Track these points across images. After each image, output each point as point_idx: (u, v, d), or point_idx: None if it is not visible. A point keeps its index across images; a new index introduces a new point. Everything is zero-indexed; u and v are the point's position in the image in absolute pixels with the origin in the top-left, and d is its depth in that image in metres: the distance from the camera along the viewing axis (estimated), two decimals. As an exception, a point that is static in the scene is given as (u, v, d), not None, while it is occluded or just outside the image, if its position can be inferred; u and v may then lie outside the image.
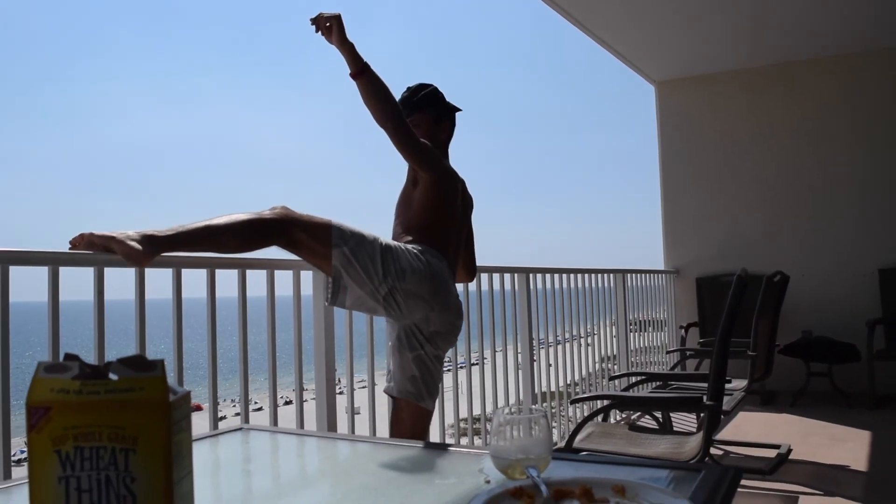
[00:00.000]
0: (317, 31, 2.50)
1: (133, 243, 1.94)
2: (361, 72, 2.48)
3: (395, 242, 2.56)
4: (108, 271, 2.10)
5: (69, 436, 0.70)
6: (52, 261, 1.97)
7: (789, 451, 4.15)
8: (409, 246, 2.58)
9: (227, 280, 2.52)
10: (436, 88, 2.88)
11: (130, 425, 0.70)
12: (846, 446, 4.55)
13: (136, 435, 0.70)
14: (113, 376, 0.71)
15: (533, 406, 1.45)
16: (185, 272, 2.33)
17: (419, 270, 2.50)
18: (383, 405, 3.04)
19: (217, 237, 2.16)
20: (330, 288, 2.44)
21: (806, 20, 5.70)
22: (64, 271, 2.00)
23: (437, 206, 2.71)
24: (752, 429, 5.17)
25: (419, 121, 2.80)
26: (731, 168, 6.87)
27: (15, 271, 1.90)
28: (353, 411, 2.89)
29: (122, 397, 0.70)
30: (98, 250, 1.95)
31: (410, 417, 2.62)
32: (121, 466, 0.70)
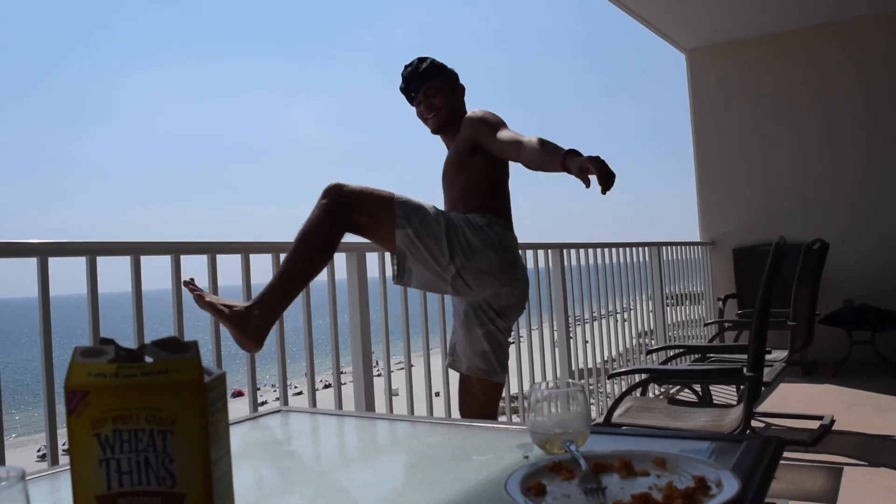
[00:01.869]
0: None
1: (244, 334, 2.04)
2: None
3: (460, 216, 2.44)
4: (144, 260, 2.13)
5: (108, 419, 0.71)
6: (90, 251, 2.00)
7: (832, 421, 4.09)
8: (474, 217, 2.48)
9: (261, 264, 2.54)
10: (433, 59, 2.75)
11: (167, 407, 0.70)
12: (891, 415, 4.47)
13: (174, 416, 0.70)
14: (148, 359, 0.72)
15: (570, 381, 1.45)
16: (219, 258, 2.35)
17: (488, 246, 2.39)
18: (420, 385, 3.05)
19: (296, 277, 2.15)
20: (395, 267, 2.37)
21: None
22: (100, 261, 2.03)
23: (498, 170, 2.62)
24: (794, 400, 5.10)
25: (436, 89, 2.67)
26: (765, 136, 6.75)
27: (54, 264, 1.94)
28: (390, 392, 2.90)
29: (158, 379, 0.70)
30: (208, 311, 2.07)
31: (483, 392, 2.57)
32: (159, 448, 0.71)
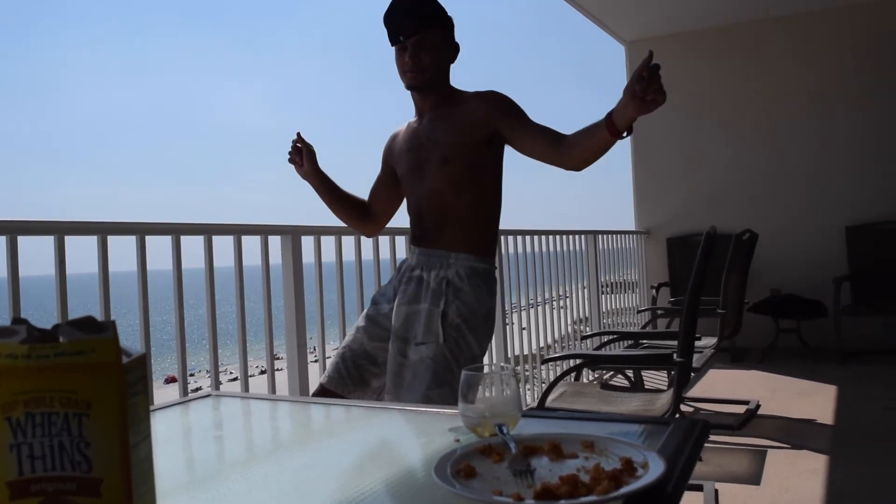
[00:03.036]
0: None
1: None
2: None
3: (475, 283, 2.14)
4: (69, 240, 2.06)
5: (19, 402, 0.67)
6: (11, 230, 1.93)
7: (758, 406, 4.22)
8: (480, 287, 2.16)
9: (192, 247, 2.48)
10: None
11: (82, 389, 0.68)
12: (813, 400, 4.64)
13: (89, 399, 0.68)
14: (63, 339, 0.69)
15: (502, 364, 1.46)
16: (149, 240, 2.29)
17: (491, 315, 2.22)
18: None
19: None
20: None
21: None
22: (23, 241, 1.96)
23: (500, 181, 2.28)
24: (722, 385, 5.25)
25: (431, 44, 2.14)
26: (700, 128, 6.89)
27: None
28: (325, 377, 2.87)
29: (72, 360, 0.67)
30: None
31: None
32: (74, 432, 0.68)
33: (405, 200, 2.37)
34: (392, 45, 2.16)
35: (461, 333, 2.10)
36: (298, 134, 2.27)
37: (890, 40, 6.27)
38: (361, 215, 2.41)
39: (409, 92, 2.24)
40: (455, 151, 2.15)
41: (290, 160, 2.28)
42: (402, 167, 2.29)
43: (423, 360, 2.07)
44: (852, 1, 6.23)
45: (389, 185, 2.38)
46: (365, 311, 2.35)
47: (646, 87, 1.81)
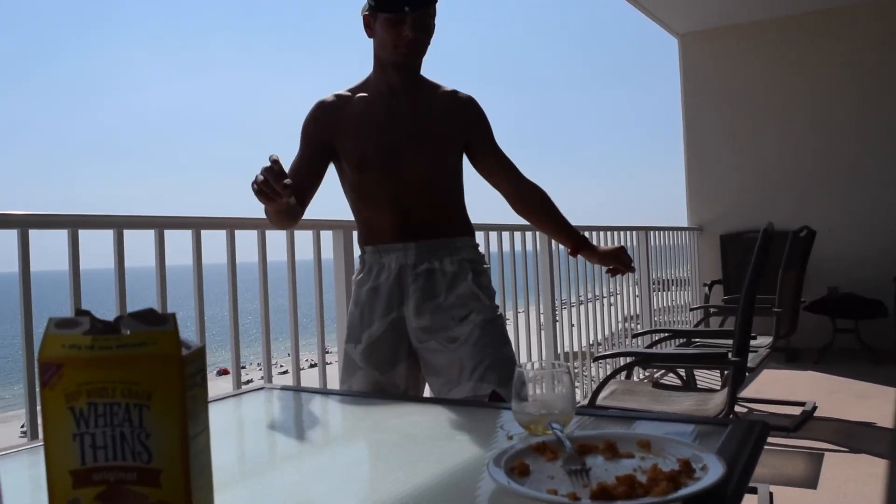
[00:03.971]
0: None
1: None
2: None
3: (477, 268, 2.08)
4: (127, 234, 2.10)
5: (82, 392, 0.69)
6: (72, 223, 1.97)
7: (814, 408, 4.12)
8: (479, 255, 2.15)
9: (245, 240, 2.51)
10: None
11: (143, 380, 0.69)
12: (872, 403, 4.51)
13: (150, 390, 0.69)
14: (125, 331, 0.70)
15: (555, 362, 1.45)
16: (204, 234, 2.33)
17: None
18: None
19: None
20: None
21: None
22: (84, 235, 2.00)
23: None
24: (777, 386, 5.14)
25: (431, 18, 1.97)
26: (754, 122, 6.75)
27: (34, 237, 1.91)
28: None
29: (134, 352, 0.68)
30: None
31: None
32: (135, 422, 0.69)
33: (364, 188, 2.03)
34: (383, 12, 1.90)
35: (494, 299, 2.08)
36: (276, 159, 1.63)
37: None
38: (293, 214, 1.99)
39: (370, 62, 2.05)
40: (449, 143, 2.07)
41: (262, 191, 1.64)
42: (367, 148, 1.99)
43: (476, 326, 1.96)
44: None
45: (315, 166, 2.02)
46: (345, 356, 2.07)
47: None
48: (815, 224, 4.34)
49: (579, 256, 2.28)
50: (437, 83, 2.10)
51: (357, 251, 2.17)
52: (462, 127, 2.09)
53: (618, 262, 2.27)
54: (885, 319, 5.78)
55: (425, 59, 2.03)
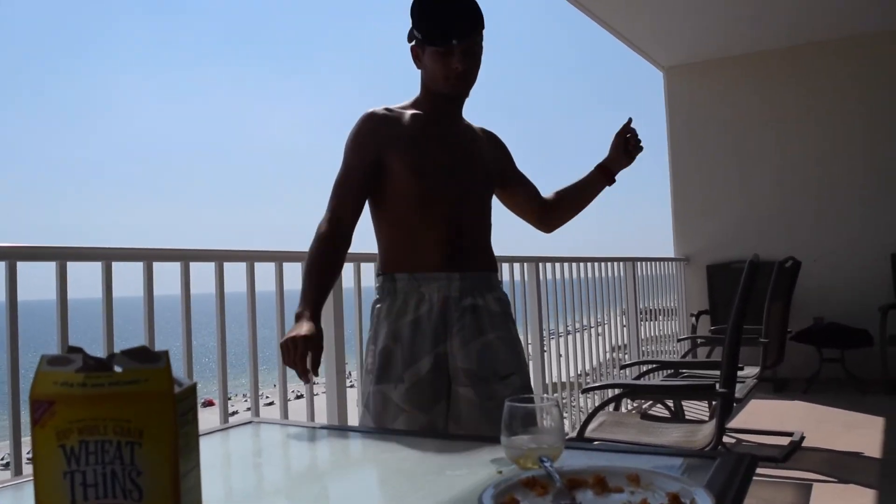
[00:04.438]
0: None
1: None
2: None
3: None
4: (115, 266, 2.10)
5: (73, 430, 0.69)
6: (60, 256, 1.97)
7: (802, 438, 4.13)
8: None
9: (234, 272, 2.51)
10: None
11: (135, 418, 0.69)
12: (860, 432, 4.52)
13: (142, 428, 0.69)
14: (117, 368, 0.70)
15: (544, 395, 1.44)
16: (192, 266, 2.32)
17: None
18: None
19: None
20: None
21: (812, 2, 5.65)
22: (71, 267, 2.00)
23: None
24: (765, 416, 5.14)
25: (479, 48, 1.92)
26: (740, 153, 6.82)
27: (22, 268, 1.90)
28: (362, 404, 2.87)
29: (126, 389, 0.69)
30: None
31: None
32: (126, 460, 0.69)
33: (417, 204, 1.92)
34: (430, 45, 1.87)
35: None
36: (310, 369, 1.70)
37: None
38: (340, 260, 1.96)
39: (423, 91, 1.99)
40: (493, 174, 2.08)
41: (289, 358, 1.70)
42: (426, 162, 1.92)
43: (519, 390, 1.90)
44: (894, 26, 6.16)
45: (368, 180, 1.92)
46: (380, 398, 1.89)
47: (635, 143, 2.16)
48: (801, 254, 4.38)
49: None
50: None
51: (345, 284, 2.16)
52: (499, 158, 2.14)
53: (625, 152, 2.16)
54: (871, 349, 5.82)
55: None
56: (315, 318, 1.77)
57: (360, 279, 3.00)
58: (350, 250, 1.95)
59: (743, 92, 6.82)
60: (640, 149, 2.16)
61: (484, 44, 1.93)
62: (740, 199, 6.82)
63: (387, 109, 1.96)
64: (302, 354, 1.66)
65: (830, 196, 6.47)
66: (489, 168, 2.06)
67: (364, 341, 2.12)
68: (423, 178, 1.91)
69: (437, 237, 1.91)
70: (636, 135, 2.16)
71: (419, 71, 1.96)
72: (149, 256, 2.20)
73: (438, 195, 1.92)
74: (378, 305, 1.95)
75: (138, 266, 2.20)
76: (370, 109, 1.97)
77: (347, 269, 2.90)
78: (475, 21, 1.87)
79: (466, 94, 1.98)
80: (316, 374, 1.69)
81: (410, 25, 1.91)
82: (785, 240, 6.40)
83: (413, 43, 1.92)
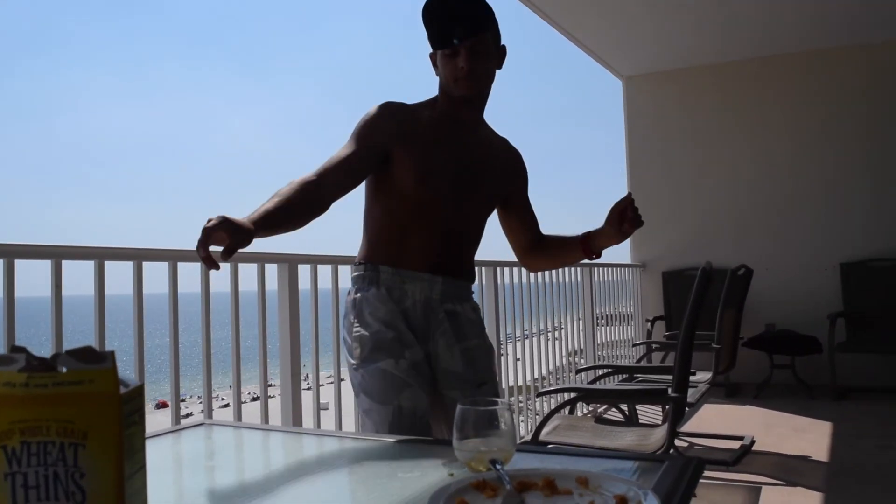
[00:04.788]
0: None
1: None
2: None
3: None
4: (66, 264, 2.06)
5: (15, 430, 0.68)
6: (7, 254, 1.93)
7: (752, 442, 4.20)
8: None
9: (190, 272, 2.48)
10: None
11: (79, 419, 0.68)
12: (808, 437, 4.62)
13: (86, 429, 0.68)
14: (62, 369, 0.69)
15: (497, 399, 1.45)
16: (145, 265, 2.29)
17: None
18: (349, 400, 3.02)
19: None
20: None
21: (773, 16, 5.77)
22: (21, 265, 1.96)
23: None
24: (717, 421, 5.23)
25: (488, 46, 1.89)
26: (696, 163, 6.94)
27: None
28: (318, 406, 2.86)
29: (70, 390, 0.68)
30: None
31: None
32: (69, 461, 0.68)
33: (416, 203, 1.89)
34: (438, 49, 1.87)
35: None
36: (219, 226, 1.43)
37: (886, 82, 6.34)
38: (308, 212, 1.71)
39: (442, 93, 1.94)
40: (499, 190, 2.05)
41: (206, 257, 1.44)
42: (434, 164, 1.89)
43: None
44: (849, 42, 6.31)
45: (366, 166, 1.85)
46: (378, 374, 1.81)
47: (633, 221, 1.95)
48: (754, 262, 4.47)
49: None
50: (492, 127, 2.07)
51: (301, 285, 2.13)
52: (511, 178, 2.10)
53: (619, 228, 1.96)
54: (820, 355, 5.95)
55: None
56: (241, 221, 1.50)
57: (337, 281, 2.99)
58: (329, 252, 1.92)
59: (699, 103, 6.94)
60: (640, 223, 1.96)
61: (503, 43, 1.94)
62: (696, 208, 6.93)
63: (403, 104, 1.93)
64: (208, 231, 1.41)
65: (783, 207, 6.61)
66: (496, 183, 2.02)
67: (320, 344, 2.06)
68: (425, 181, 1.87)
69: (426, 242, 1.90)
70: (636, 211, 1.96)
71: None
72: (101, 255, 2.17)
73: (436, 201, 1.89)
74: (359, 294, 1.90)
75: (89, 265, 2.16)
76: (387, 100, 1.92)
77: (321, 271, 2.88)
78: (478, 20, 1.84)
79: (479, 96, 1.93)
80: (223, 260, 1.44)
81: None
82: (739, 248, 6.52)
83: (431, 51, 1.92)
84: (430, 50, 1.91)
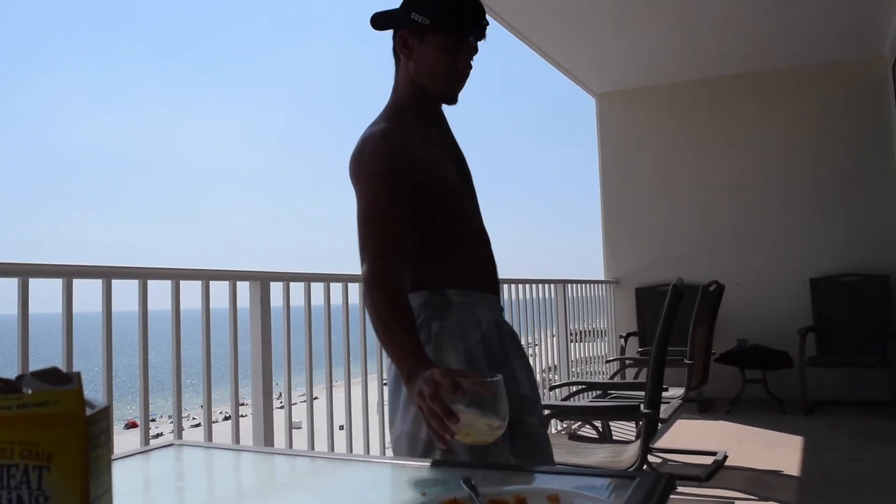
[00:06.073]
0: None
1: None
2: None
3: None
4: (33, 283, 2.03)
5: (-23, 454, 0.66)
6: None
7: (725, 457, 4.23)
8: None
9: (160, 289, 2.46)
10: None
11: (44, 441, 0.67)
12: (780, 451, 4.66)
13: (51, 451, 0.67)
14: (26, 390, 0.68)
15: (491, 372, 1.34)
16: (115, 283, 2.26)
17: None
18: (321, 419, 3.00)
19: None
20: None
21: (741, 36, 5.88)
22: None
23: None
24: (690, 436, 5.25)
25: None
26: (667, 180, 7.02)
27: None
28: (290, 425, 2.84)
29: (35, 412, 0.67)
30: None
31: None
32: (34, 485, 0.67)
33: (455, 220, 1.71)
34: (448, 34, 1.62)
35: None
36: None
37: (849, 100, 6.48)
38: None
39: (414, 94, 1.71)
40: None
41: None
42: (449, 176, 1.72)
43: (541, 418, 1.78)
44: (816, 61, 6.44)
45: (409, 209, 1.62)
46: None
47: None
48: (725, 278, 4.51)
49: None
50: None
51: (273, 303, 2.10)
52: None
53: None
54: (791, 370, 6.02)
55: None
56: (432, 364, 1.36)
57: (310, 298, 2.97)
58: (326, 270, 1.83)
59: (671, 120, 7.03)
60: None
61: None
62: (669, 224, 7.00)
63: (394, 126, 1.67)
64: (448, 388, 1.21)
65: (752, 223, 6.70)
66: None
67: (292, 362, 1.96)
68: (451, 190, 1.70)
69: (477, 252, 1.73)
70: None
71: (393, 66, 1.71)
72: (69, 273, 2.14)
73: (467, 210, 1.75)
74: (435, 323, 1.63)
75: (57, 283, 2.13)
76: (383, 133, 1.65)
77: (293, 288, 2.87)
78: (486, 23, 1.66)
79: (456, 100, 1.73)
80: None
81: (405, 7, 1.65)
82: (710, 264, 6.58)
83: (405, 28, 1.65)
84: (404, 26, 1.66)
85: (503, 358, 1.70)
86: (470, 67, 1.67)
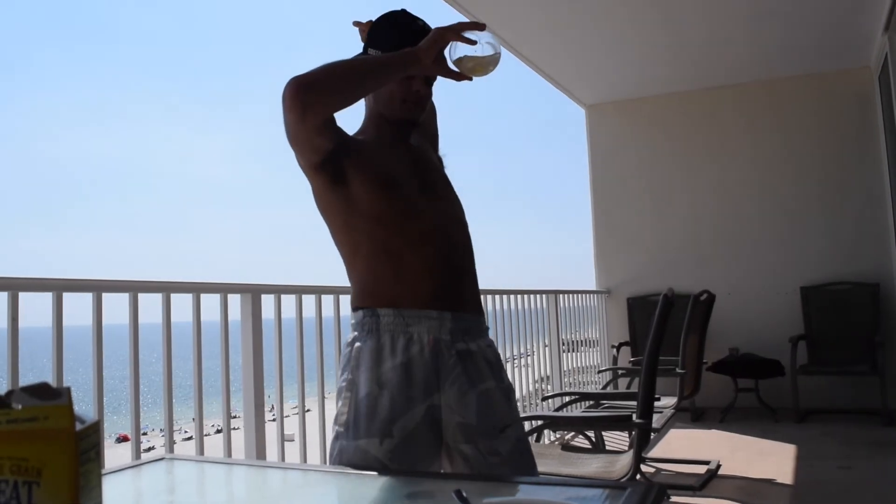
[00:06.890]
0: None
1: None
2: None
3: None
4: (23, 296, 2.02)
5: (-33, 469, 0.66)
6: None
7: (718, 466, 4.23)
8: None
9: (150, 302, 2.44)
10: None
11: (34, 457, 0.67)
12: (772, 460, 4.66)
13: (40, 467, 0.67)
14: (16, 405, 0.68)
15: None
16: (105, 297, 2.26)
17: None
18: (314, 431, 2.99)
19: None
20: None
21: (730, 48, 5.92)
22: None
23: None
24: (683, 445, 5.25)
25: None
26: (657, 190, 7.04)
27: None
28: (282, 438, 2.83)
29: (25, 427, 0.67)
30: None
31: None
32: (23, 500, 0.66)
33: (392, 219, 1.67)
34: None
35: None
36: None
37: (836, 110, 6.52)
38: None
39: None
40: (450, 183, 1.86)
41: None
42: (398, 169, 1.71)
43: (516, 443, 1.70)
44: (802, 72, 6.48)
45: (332, 131, 1.67)
46: (356, 455, 1.56)
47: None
48: (716, 287, 4.53)
49: None
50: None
51: (265, 315, 2.10)
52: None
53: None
54: (783, 379, 6.03)
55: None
56: None
57: (301, 310, 2.96)
58: (321, 282, 1.82)
59: (662, 130, 7.06)
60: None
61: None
62: (659, 234, 7.02)
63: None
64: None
65: (742, 233, 6.73)
66: (443, 174, 1.84)
67: (284, 372, 1.98)
68: (396, 191, 1.67)
69: (425, 264, 1.65)
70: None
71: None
72: (59, 287, 2.13)
73: (418, 212, 1.67)
74: (357, 345, 1.64)
75: (47, 297, 2.12)
76: None
77: (284, 301, 2.86)
78: None
79: (418, 122, 1.78)
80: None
81: (366, 44, 1.74)
82: (701, 273, 6.60)
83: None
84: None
85: (434, 383, 1.61)
86: (427, 90, 1.73)
